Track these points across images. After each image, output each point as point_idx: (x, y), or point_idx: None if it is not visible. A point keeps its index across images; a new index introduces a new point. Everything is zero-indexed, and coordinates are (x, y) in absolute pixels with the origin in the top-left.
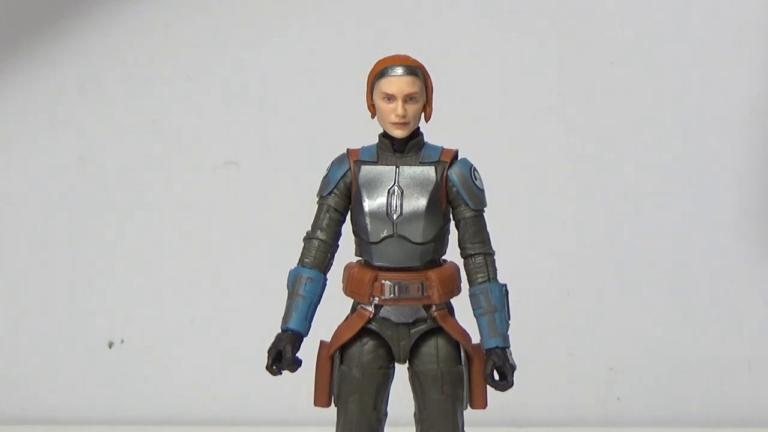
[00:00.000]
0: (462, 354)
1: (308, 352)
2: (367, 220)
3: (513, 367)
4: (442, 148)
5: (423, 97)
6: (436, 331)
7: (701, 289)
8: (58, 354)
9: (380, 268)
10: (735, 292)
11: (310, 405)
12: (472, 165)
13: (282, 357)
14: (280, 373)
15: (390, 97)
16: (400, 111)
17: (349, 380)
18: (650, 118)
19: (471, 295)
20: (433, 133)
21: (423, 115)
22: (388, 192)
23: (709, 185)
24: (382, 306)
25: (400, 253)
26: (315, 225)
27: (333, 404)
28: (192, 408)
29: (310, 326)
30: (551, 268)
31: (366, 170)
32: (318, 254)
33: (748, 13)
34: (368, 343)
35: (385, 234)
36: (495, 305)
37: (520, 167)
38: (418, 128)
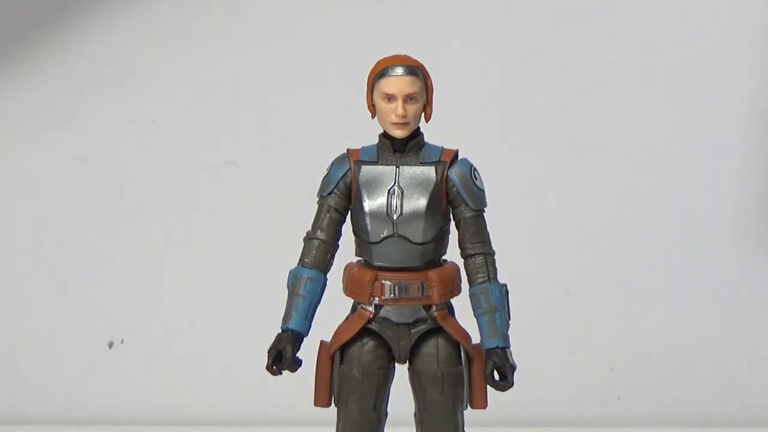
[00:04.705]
0: (462, 354)
1: (308, 352)
2: (368, 220)
3: (513, 367)
4: (443, 148)
5: (423, 97)
6: (437, 331)
7: (701, 290)
8: (58, 354)
9: (380, 268)
10: (735, 292)
11: (310, 405)
12: (472, 165)
13: (282, 357)
14: (281, 373)
15: (390, 97)
16: (400, 111)
17: (349, 380)
18: (650, 118)
19: (471, 295)
20: (433, 133)
21: (423, 115)
22: (389, 192)
23: (709, 185)
24: (382, 306)
25: (400, 253)
26: (315, 225)
27: (333, 404)
28: (192, 408)
29: (310, 326)
30: (551, 268)
31: (366, 170)
32: (318, 254)
33: (747, 12)
34: (368, 343)
35: (385, 234)
36: (495, 305)
37: (520, 167)
38: (419, 128)
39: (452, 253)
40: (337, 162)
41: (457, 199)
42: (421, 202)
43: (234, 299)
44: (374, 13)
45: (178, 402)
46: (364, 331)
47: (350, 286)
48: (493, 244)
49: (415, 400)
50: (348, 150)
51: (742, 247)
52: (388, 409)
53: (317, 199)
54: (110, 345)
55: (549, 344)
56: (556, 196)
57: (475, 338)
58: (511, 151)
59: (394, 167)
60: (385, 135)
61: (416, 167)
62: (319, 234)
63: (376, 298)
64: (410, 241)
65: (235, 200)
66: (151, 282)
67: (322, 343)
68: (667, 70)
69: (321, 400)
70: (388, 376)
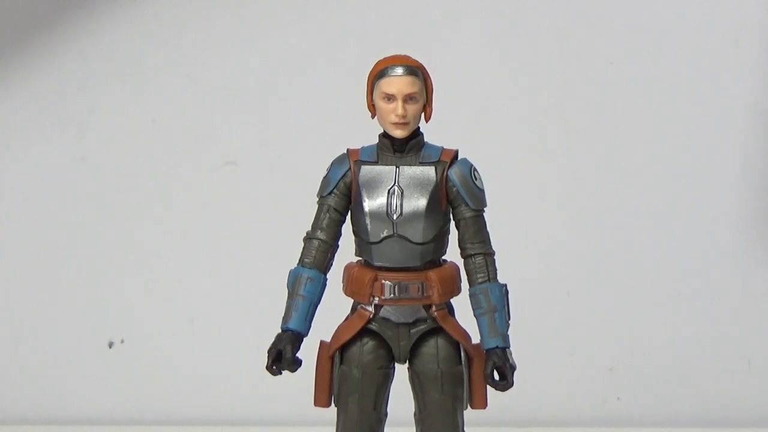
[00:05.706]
0: (462, 354)
1: (308, 352)
2: (367, 220)
3: (513, 367)
4: (442, 148)
5: (423, 97)
6: (436, 331)
7: (701, 289)
8: (58, 354)
9: (380, 268)
10: (735, 292)
11: (310, 405)
12: (472, 165)
13: (282, 357)
14: (280, 373)
15: (390, 97)
16: (400, 111)
17: (349, 380)
18: (650, 119)
19: (471, 295)
20: (433, 133)
21: (423, 115)
22: (388, 192)
23: (709, 185)
24: (382, 306)
25: (400, 253)
26: (315, 225)
27: (333, 404)
28: (192, 408)
29: (310, 326)
30: (551, 268)
31: (366, 170)
32: (318, 254)
33: (747, 13)
34: (368, 343)
35: (385, 234)
36: (495, 305)
37: (520, 167)
38: (418, 128)
39: (452, 253)
40: (337, 162)
41: (456, 199)
42: (421, 202)
43: (234, 299)
44: (374, 13)
45: (178, 402)
46: (364, 331)
47: (350, 286)
48: (493, 244)
49: (415, 400)
50: (348, 150)
51: (743, 246)
52: (388, 409)
53: (317, 199)
54: (110, 345)
55: (549, 344)
56: (555, 196)
57: (475, 338)
58: (511, 151)
59: (394, 167)
60: (385, 135)
61: (416, 167)
62: (319, 234)
63: (376, 298)
64: (410, 241)
65: (235, 200)
66: (151, 282)
67: (322, 343)
68: (667, 69)
69: (321, 400)
70: (388, 376)
